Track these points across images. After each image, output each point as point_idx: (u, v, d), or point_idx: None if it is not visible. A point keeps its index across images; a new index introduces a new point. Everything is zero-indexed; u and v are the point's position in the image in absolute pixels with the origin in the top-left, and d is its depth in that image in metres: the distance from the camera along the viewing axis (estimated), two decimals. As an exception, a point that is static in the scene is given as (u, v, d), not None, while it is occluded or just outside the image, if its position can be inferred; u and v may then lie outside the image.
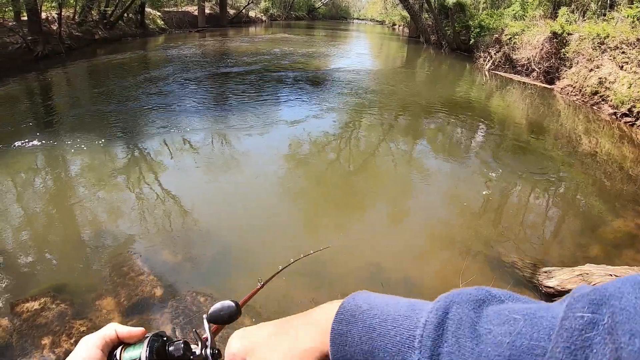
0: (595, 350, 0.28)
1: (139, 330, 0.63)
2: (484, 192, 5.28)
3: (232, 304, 0.64)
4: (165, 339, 0.62)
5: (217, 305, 0.64)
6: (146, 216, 4.66)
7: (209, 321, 0.64)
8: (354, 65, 14.29)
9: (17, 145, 6.32)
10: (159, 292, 3.46)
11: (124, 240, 4.18)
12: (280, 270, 1.11)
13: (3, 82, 10.32)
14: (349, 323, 0.44)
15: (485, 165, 6.23)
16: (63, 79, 11.50)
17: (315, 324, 0.48)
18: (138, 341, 0.62)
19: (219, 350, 0.63)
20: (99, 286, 3.52)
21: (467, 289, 0.41)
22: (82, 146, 6.37)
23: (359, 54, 19.38)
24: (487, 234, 4.38)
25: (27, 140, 6.54)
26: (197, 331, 0.66)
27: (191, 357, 0.62)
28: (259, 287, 0.99)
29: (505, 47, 15.53)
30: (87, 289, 3.47)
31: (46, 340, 2.91)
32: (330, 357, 0.45)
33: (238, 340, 0.55)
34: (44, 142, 6.50)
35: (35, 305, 3.25)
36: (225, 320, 0.64)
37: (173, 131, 7.11)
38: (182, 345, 0.62)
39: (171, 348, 0.61)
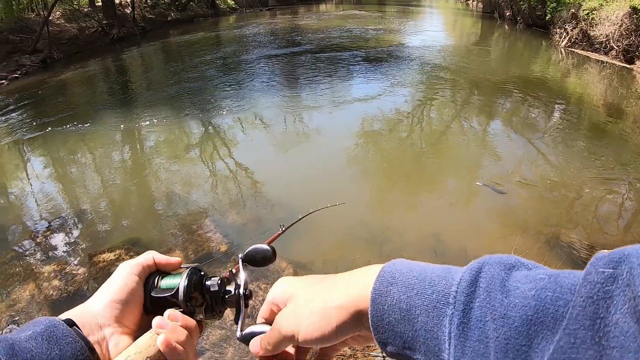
0: (615, 301, 0.31)
1: (175, 260, 0.66)
2: (551, 176, 5.00)
3: (268, 247, 0.67)
4: (202, 273, 0.65)
5: (253, 248, 0.67)
6: (216, 184, 4.95)
7: (244, 261, 0.67)
8: (427, 41, 13.88)
9: (98, 121, 6.91)
10: (223, 247, 3.71)
11: (195, 204, 4.50)
12: (300, 219, 1.18)
13: (83, 63, 11.19)
14: (390, 284, 0.48)
15: (558, 148, 5.87)
16: (138, 59, 12.25)
17: (355, 283, 0.52)
18: (175, 271, 0.65)
19: (250, 291, 0.66)
20: (169, 241, 3.83)
21: (498, 255, 0.44)
22: (158, 122, 6.81)
23: (431, 30, 18.82)
24: (552, 214, 4.20)
25: (106, 116, 7.13)
26: (233, 271, 0.68)
27: (225, 294, 0.65)
28: (280, 232, 1.04)
29: (582, 23, 14.30)
30: (158, 243, 3.78)
31: (118, 287, 3.19)
32: (369, 316, 0.48)
33: (281, 286, 0.60)
34: (122, 118, 7.05)
35: (110, 256, 3.60)
36: (259, 263, 0.67)
37: (245, 107, 7.37)
38: (219, 282, 0.64)
39: (208, 282, 0.64)
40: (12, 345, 0.46)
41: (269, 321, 0.62)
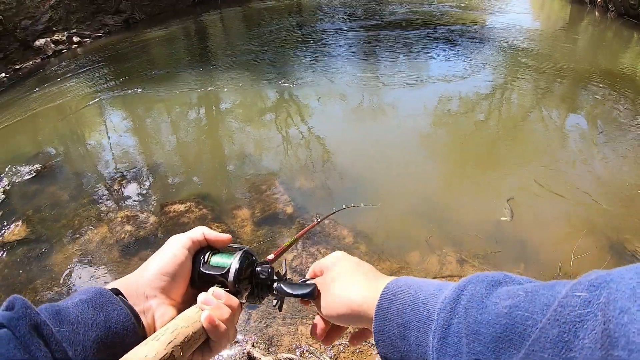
0: (585, 326, 0.31)
1: (225, 236, 0.69)
2: (628, 180, 4.64)
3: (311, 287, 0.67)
4: (254, 258, 0.68)
5: (294, 286, 0.68)
6: (288, 149, 5.06)
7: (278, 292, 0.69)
8: (511, 23, 13.11)
9: (175, 81, 7.22)
10: (289, 210, 3.78)
11: (265, 166, 4.63)
12: (334, 212, 1.14)
13: (164, 25, 11.63)
14: (391, 301, 0.54)
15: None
16: (217, 23, 12.56)
17: (369, 289, 0.59)
18: (227, 250, 0.68)
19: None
20: (238, 199, 3.97)
21: (487, 272, 0.47)
22: (234, 86, 6.99)
23: (516, 11, 17.79)
24: (621, 220, 3.94)
25: (184, 77, 7.41)
26: (285, 263, 0.74)
27: (272, 283, 0.69)
28: (314, 223, 1.06)
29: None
30: (227, 200, 3.95)
31: (186, 237, 3.36)
32: (373, 330, 0.55)
33: (331, 258, 0.70)
34: (199, 80, 7.29)
35: (181, 207, 3.78)
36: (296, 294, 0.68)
37: (321, 78, 7.38)
38: (269, 270, 0.68)
39: (258, 269, 0.68)
40: (58, 311, 0.49)
41: (310, 278, 0.72)
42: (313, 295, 0.67)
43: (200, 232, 0.67)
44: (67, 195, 4.32)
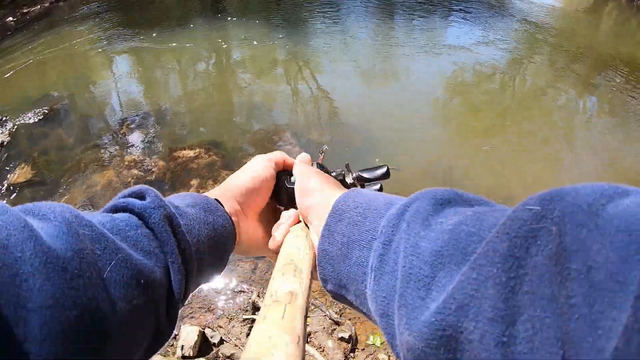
0: (538, 242, 0.28)
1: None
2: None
3: (384, 169, 0.71)
4: (325, 167, 0.71)
5: (368, 171, 0.71)
6: (299, 104, 5.02)
7: (358, 180, 0.71)
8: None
9: (188, 32, 7.10)
10: (302, 160, 3.73)
11: (276, 119, 4.63)
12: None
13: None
14: (338, 220, 0.50)
15: None
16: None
17: (326, 206, 0.54)
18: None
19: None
20: (249, 147, 3.97)
21: (438, 188, 0.43)
22: (246, 39, 6.87)
23: None
24: None
25: (196, 29, 7.28)
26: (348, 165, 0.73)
27: (344, 179, 0.70)
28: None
29: None
30: (238, 148, 3.97)
31: (194, 182, 3.40)
32: (316, 249, 0.52)
33: (306, 169, 0.66)
34: (211, 31, 7.20)
35: (190, 153, 3.76)
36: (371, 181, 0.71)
37: (335, 36, 7.26)
38: (341, 171, 0.71)
39: (333, 174, 0.70)
40: (177, 207, 0.51)
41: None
42: (389, 174, 0.70)
43: (281, 156, 0.72)
44: (74, 138, 4.29)
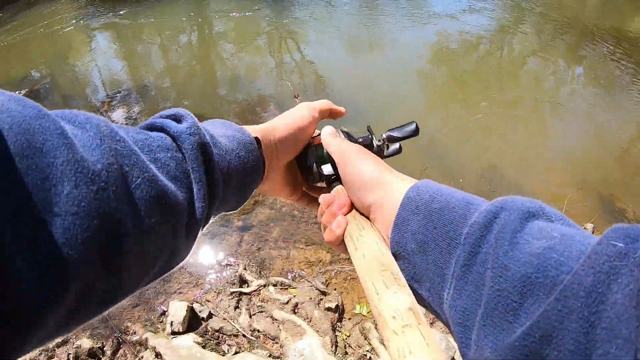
0: (620, 280, 0.29)
1: (343, 109, 0.75)
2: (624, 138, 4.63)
3: (413, 125, 0.70)
4: (350, 135, 0.69)
5: (398, 129, 0.70)
6: (282, 75, 4.97)
7: (388, 140, 0.70)
8: None
9: (167, 5, 6.96)
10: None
11: (259, 90, 4.62)
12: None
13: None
14: (412, 212, 0.49)
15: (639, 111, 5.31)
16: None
17: (393, 198, 0.52)
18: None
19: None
20: (233, 119, 3.84)
21: (522, 199, 0.43)
22: (226, 10, 6.76)
23: None
24: (613, 176, 4.04)
25: (175, 2, 7.09)
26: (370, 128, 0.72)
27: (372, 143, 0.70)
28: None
29: None
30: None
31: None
32: (389, 240, 0.51)
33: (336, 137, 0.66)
34: (190, 3, 6.99)
35: None
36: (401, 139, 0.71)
37: (320, 5, 7.16)
38: (368, 136, 0.70)
39: (360, 140, 0.69)
40: (212, 136, 0.51)
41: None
42: (418, 130, 0.69)
43: (327, 105, 0.72)
44: (55, 119, 4.25)
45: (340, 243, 0.57)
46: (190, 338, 2.33)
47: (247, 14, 6.63)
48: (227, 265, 2.71)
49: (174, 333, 2.37)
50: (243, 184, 0.55)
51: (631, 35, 8.54)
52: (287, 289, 2.57)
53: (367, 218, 0.57)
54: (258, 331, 2.38)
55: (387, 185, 0.54)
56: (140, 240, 0.37)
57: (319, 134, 0.68)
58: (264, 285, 2.58)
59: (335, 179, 0.65)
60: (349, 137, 0.68)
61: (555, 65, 6.34)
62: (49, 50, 5.83)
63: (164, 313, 2.48)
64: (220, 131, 0.54)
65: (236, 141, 0.54)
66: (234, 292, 2.56)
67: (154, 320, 2.47)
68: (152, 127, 0.48)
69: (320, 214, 0.63)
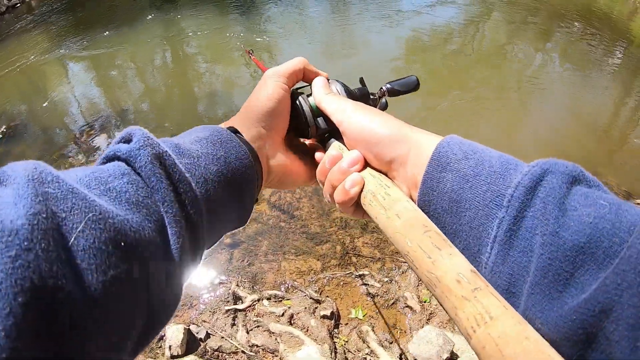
0: None
1: (324, 74, 0.66)
2: (601, 113, 4.73)
3: (414, 78, 0.68)
4: (346, 86, 0.66)
5: (398, 82, 0.68)
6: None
7: (388, 92, 0.68)
8: None
9: (140, 28, 7.01)
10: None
11: (240, 101, 4.48)
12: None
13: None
14: (443, 169, 0.46)
15: (615, 86, 5.39)
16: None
17: (419, 154, 0.49)
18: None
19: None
20: None
21: (564, 162, 0.42)
22: (200, 26, 6.80)
23: None
24: (595, 152, 4.12)
25: (149, 23, 7.20)
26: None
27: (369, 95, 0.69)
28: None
29: None
30: None
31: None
32: (416, 198, 0.48)
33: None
34: (163, 23, 7.12)
35: None
36: (402, 92, 0.68)
37: (291, 17, 7.17)
38: (362, 87, 0.68)
39: (355, 90, 0.67)
40: (177, 145, 0.45)
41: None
42: (419, 84, 0.68)
43: (301, 65, 0.64)
44: (38, 152, 4.21)
45: (353, 204, 0.53)
46: (190, 360, 2.34)
47: (221, 32, 6.65)
48: (220, 283, 2.71)
49: (173, 357, 2.37)
50: (233, 185, 0.48)
51: (599, 13, 8.65)
52: (281, 301, 2.58)
53: (385, 175, 0.53)
54: (257, 346, 2.39)
55: (411, 140, 0.50)
56: (97, 306, 0.29)
57: (305, 86, 0.65)
58: (258, 300, 2.59)
59: (330, 135, 0.61)
60: (345, 88, 0.64)
61: (527, 49, 6.43)
62: (22, 84, 5.81)
63: (161, 338, 2.48)
64: (191, 137, 0.49)
65: (208, 141, 0.49)
66: (229, 310, 2.57)
67: (152, 346, 2.47)
68: (106, 159, 0.41)
69: (322, 173, 0.57)
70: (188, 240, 0.40)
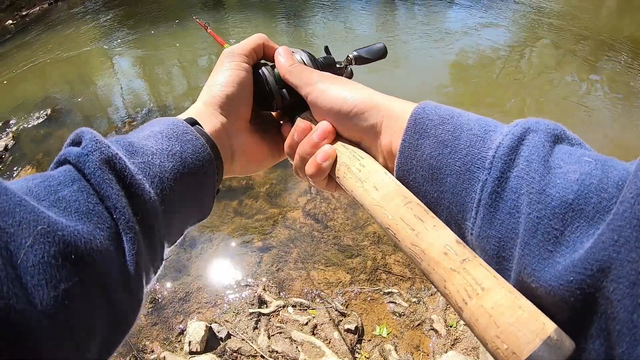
0: None
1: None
2: None
3: (381, 44, 0.67)
4: (311, 54, 0.63)
5: (365, 49, 0.67)
6: None
7: (355, 59, 0.67)
8: None
9: (188, 26, 7.10)
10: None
11: None
12: None
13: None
14: (421, 136, 0.44)
15: None
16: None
17: (396, 120, 0.48)
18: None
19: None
20: None
21: (545, 120, 0.40)
22: (247, 29, 6.88)
23: None
24: None
25: (196, 25, 7.23)
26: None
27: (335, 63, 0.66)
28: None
29: None
30: None
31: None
32: (394, 168, 0.46)
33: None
34: (211, 24, 7.10)
35: None
36: (369, 60, 0.67)
37: (337, 21, 7.27)
38: (327, 56, 0.66)
39: (321, 59, 0.64)
40: (130, 143, 0.43)
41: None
42: (386, 51, 0.66)
43: (257, 40, 0.60)
44: (77, 138, 4.34)
45: (325, 177, 0.52)
46: (209, 358, 2.35)
47: (265, 29, 6.73)
48: (246, 285, 2.73)
49: (191, 353, 2.38)
50: (190, 182, 0.46)
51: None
52: (306, 310, 2.58)
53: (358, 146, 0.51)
54: (276, 352, 2.39)
55: (383, 108, 0.49)
56: (50, 323, 0.29)
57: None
58: (283, 306, 2.59)
59: (297, 107, 0.57)
60: (310, 57, 0.61)
61: (574, 75, 6.34)
62: (69, 71, 6.00)
63: (182, 332, 2.50)
64: (146, 132, 0.47)
65: (163, 135, 0.46)
66: (252, 313, 2.58)
67: (172, 339, 2.50)
68: (57, 163, 0.40)
69: (291, 147, 0.56)
70: (144, 244, 0.39)
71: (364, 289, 2.66)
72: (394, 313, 2.55)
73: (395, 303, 2.59)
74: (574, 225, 0.33)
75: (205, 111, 0.55)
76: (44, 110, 4.79)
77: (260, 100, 0.60)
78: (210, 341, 2.45)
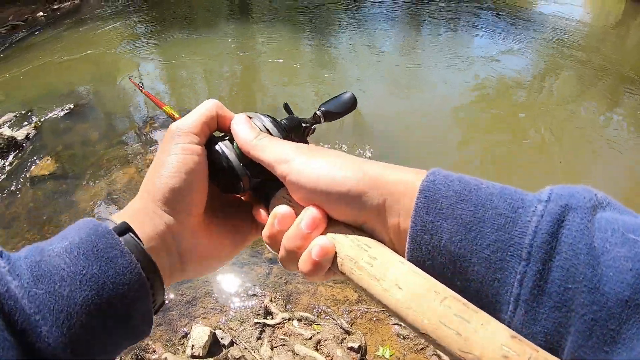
0: None
1: (231, 114, 0.54)
2: None
3: (350, 93, 0.61)
4: (273, 118, 0.54)
5: (332, 101, 0.61)
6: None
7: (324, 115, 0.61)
8: (561, 12, 12.54)
9: (215, 32, 7.30)
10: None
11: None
12: None
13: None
14: (436, 218, 0.38)
15: None
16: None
17: (391, 195, 0.41)
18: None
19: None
20: None
21: (580, 190, 0.36)
22: (272, 43, 7.02)
23: (568, 2, 17.16)
24: None
25: (223, 29, 7.49)
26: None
27: (302, 123, 0.59)
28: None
29: None
30: None
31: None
32: (406, 254, 0.40)
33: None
34: (238, 32, 7.34)
35: None
36: (339, 114, 0.61)
37: (360, 43, 7.32)
38: (293, 117, 0.58)
39: (284, 122, 0.56)
40: (38, 262, 0.36)
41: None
42: (356, 101, 0.60)
43: (214, 110, 0.52)
44: (98, 134, 4.43)
45: (325, 274, 0.44)
46: (210, 364, 2.38)
47: (291, 56, 6.83)
48: (254, 295, 2.76)
49: (193, 357, 2.41)
50: (108, 315, 0.38)
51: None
52: (311, 324, 2.60)
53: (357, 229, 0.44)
54: (278, 364, 2.41)
55: (381, 185, 0.42)
56: None
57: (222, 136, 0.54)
58: (289, 319, 2.62)
59: (267, 183, 0.50)
60: (273, 122, 0.53)
61: (595, 108, 6.33)
62: (95, 67, 6.12)
63: (185, 335, 2.53)
64: (64, 243, 0.38)
65: (80, 252, 0.38)
66: (257, 323, 2.60)
67: (175, 341, 2.53)
68: None
69: (271, 237, 0.47)
70: None
71: (370, 308, 2.67)
72: (398, 335, 2.56)
73: (401, 325, 2.60)
74: (631, 322, 0.31)
75: (145, 210, 0.46)
76: (68, 103, 4.88)
77: (221, 184, 0.52)
78: (213, 347, 2.48)
